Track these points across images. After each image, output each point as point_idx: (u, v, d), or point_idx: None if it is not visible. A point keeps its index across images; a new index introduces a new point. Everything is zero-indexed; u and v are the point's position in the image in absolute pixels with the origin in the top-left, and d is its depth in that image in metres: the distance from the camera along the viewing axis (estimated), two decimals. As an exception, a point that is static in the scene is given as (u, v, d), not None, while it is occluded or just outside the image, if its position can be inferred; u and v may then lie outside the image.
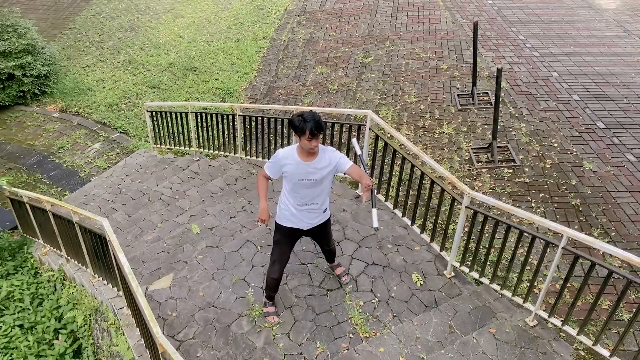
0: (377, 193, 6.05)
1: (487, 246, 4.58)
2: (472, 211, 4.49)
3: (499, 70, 6.26)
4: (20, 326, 6.65)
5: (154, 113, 8.84)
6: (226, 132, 7.86)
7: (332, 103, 9.17)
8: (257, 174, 4.11)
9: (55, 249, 6.86)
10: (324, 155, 3.96)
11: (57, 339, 6.48)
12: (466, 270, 4.83)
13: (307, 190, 4.03)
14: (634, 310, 3.59)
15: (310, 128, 3.67)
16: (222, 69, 11.62)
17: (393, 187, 6.07)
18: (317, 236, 4.55)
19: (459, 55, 9.92)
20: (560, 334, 4.23)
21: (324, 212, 4.27)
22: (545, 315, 4.20)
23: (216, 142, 8.06)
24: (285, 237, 4.32)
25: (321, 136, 3.81)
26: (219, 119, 7.80)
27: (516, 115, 7.80)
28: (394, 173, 5.77)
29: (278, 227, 4.29)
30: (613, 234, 5.51)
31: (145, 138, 9.91)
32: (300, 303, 4.80)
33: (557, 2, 12.06)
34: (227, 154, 7.98)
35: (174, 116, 8.43)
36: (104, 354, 5.71)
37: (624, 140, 7.02)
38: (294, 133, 3.81)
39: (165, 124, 8.69)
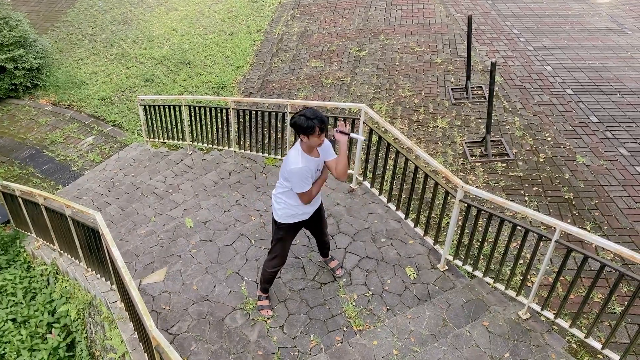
0: (371, 187, 6.05)
1: (480, 240, 4.59)
2: (465, 205, 4.50)
3: (493, 64, 6.26)
4: (13, 320, 6.63)
5: (147, 106, 8.79)
6: (220, 126, 7.83)
7: (327, 97, 9.15)
8: (308, 195, 3.98)
9: (48, 243, 6.83)
10: (323, 145, 4.02)
11: (51, 333, 6.47)
12: (459, 263, 4.85)
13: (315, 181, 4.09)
14: (626, 303, 3.61)
15: (319, 125, 3.70)
16: (216, 63, 11.57)
17: (387, 180, 6.08)
18: (316, 223, 4.53)
19: (453, 49, 9.92)
20: (553, 326, 4.25)
21: None
22: (538, 308, 4.22)
23: (210, 135, 8.03)
24: (291, 233, 4.34)
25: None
26: (213, 112, 7.77)
27: (510, 109, 7.82)
28: (387, 167, 5.78)
29: (283, 226, 4.23)
30: (606, 227, 5.54)
31: (138, 132, 9.86)
32: (294, 296, 4.81)
33: (552, -4, 12.09)
34: (220, 147, 7.95)
35: (167, 110, 8.38)
36: (98, 347, 5.70)
37: (617, 134, 7.05)
38: (300, 134, 3.78)
39: (158, 118, 8.65)
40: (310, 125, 3.69)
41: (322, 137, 3.80)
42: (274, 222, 4.28)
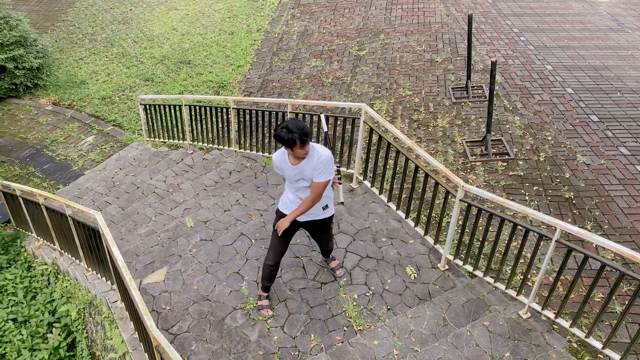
0: (371, 186, 6.05)
1: (481, 239, 4.59)
2: (466, 204, 4.50)
3: (494, 64, 6.26)
4: (14, 320, 6.63)
5: (147, 106, 8.79)
6: (220, 126, 7.82)
7: (327, 96, 9.14)
8: None
9: (48, 243, 6.83)
10: (311, 160, 3.92)
11: (51, 332, 6.47)
12: (460, 263, 4.84)
13: (301, 188, 4.10)
14: (627, 302, 3.61)
15: (300, 138, 3.71)
16: (216, 62, 11.56)
17: (387, 180, 6.08)
18: (315, 233, 4.59)
19: (453, 49, 9.91)
20: (553, 326, 4.25)
21: (323, 210, 4.27)
22: (538, 307, 4.22)
23: (210, 135, 8.03)
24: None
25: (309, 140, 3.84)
26: (213, 112, 7.76)
27: (510, 108, 7.81)
28: (388, 166, 5.78)
29: (278, 213, 4.35)
30: (606, 226, 5.54)
31: (139, 131, 9.86)
32: (294, 296, 4.81)
33: (552, -5, 12.08)
34: (221, 147, 7.95)
35: (167, 109, 8.38)
36: (98, 347, 5.71)
37: (617, 133, 7.04)
38: (283, 146, 3.87)
39: (158, 117, 8.64)
40: (291, 138, 3.70)
41: (306, 147, 3.80)
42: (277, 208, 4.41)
